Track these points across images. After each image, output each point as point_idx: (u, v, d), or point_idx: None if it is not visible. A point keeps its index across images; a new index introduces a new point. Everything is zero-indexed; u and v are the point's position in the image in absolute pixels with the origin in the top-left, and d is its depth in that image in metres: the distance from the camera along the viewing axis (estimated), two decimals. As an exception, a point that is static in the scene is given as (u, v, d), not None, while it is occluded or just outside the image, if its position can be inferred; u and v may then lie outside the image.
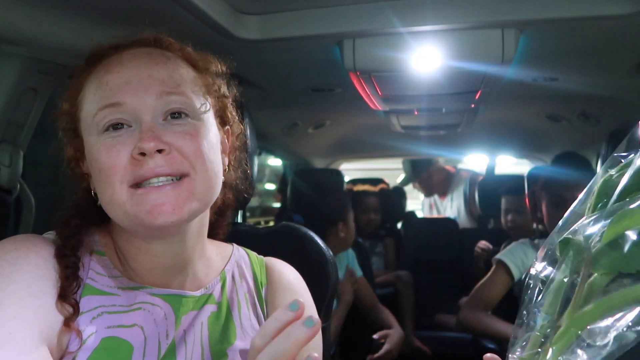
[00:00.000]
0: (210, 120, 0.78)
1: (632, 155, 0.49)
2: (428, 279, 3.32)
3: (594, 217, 0.46)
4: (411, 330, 2.89)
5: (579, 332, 0.43)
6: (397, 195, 4.00)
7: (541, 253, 0.52)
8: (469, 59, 1.35)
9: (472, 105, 2.04)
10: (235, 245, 0.95)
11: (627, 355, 0.40)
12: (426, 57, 1.38)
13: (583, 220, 0.49)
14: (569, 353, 0.43)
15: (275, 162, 4.20)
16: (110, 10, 1.09)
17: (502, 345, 2.14)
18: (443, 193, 4.04)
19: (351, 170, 5.52)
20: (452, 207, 3.97)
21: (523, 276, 2.04)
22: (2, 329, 0.63)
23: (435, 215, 4.08)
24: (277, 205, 4.43)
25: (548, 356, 0.44)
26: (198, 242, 0.82)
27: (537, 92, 2.05)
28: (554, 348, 0.44)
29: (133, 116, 0.72)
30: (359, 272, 2.45)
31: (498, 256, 2.15)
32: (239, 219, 1.35)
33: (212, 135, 0.78)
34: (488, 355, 0.55)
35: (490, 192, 3.08)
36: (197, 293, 0.82)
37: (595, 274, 0.45)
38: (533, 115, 2.64)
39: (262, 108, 2.22)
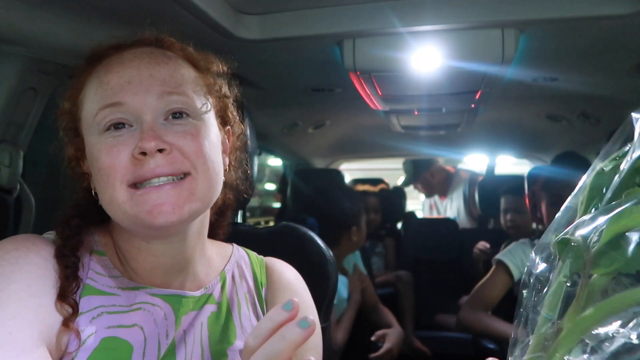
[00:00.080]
0: (211, 120, 0.78)
1: (625, 148, 0.49)
2: (428, 279, 3.32)
3: (591, 215, 0.46)
4: (411, 330, 2.89)
5: (582, 335, 0.42)
6: (397, 195, 4.00)
7: (537, 251, 0.52)
8: (469, 59, 1.35)
9: (472, 105, 2.04)
10: (235, 245, 0.95)
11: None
12: (426, 57, 1.38)
13: (578, 218, 0.48)
14: (573, 357, 0.42)
15: (275, 162, 4.20)
16: (110, 10, 1.09)
17: (502, 345, 2.14)
18: (443, 193, 4.04)
19: (351, 170, 5.53)
20: (451, 207, 3.97)
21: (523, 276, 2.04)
22: (2, 328, 0.63)
23: (435, 215, 4.08)
24: (277, 205, 4.43)
25: None
26: (198, 242, 0.82)
27: (537, 92, 2.05)
28: (557, 352, 0.43)
29: (134, 116, 0.72)
30: (364, 272, 2.45)
31: (498, 256, 2.15)
32: (239, 219, 1.35)
33: (213, 135, 0.78)
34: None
35: (490, 192, 3.08)
36: (197, 293, 0.82)
37: (595, 275, 0.44)
38: (533, 115, 2.64)
39: (262, 108, 2.22)
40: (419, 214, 4.41)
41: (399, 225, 4.04)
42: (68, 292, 0.70)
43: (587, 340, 0.42)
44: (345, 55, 1.37)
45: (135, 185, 0.71)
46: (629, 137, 0.49)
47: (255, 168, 1.19)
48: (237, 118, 0.88)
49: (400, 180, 4.17)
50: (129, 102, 0.72)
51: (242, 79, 1.53)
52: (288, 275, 0.93)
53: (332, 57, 1.46)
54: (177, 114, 0.74)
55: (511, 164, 5.05)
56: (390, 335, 2.32)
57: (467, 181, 3.83)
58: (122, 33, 0.80)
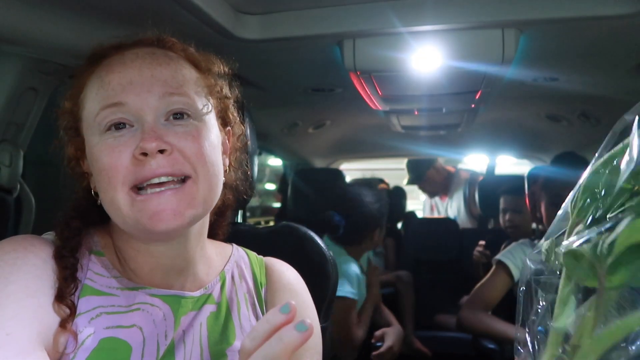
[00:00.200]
0: (211, 121, 0.78)
1: (619, 146, 0.48)
2: (428, 279, 3.32)
3: (589, 221, 0.45)
4: (411, 331, 2.88)
5: (601, 353, 0.41)
6: (397, 195, 4.00)
7: (536, 256, 0.51)
8: (469, 59, 1.35)
9: (473, 105, 2.03)
10: (234, 245, 0.95)
11: None
12: (426, 57, 1.38)
13: (571, 221, 0.48)
14: None
15: (275, 162, 4.20)
16: (110, 10, 1.09)
17: (502, 345, 2.14)
18: (444, 193, 4.04)
19: (351, 170, 5.53)
20: (452, 207, 3.97)
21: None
22: (0, 329, 0.63)
23: (436, 215, 4.08)
24: (277, 205, 4.43)
25: None
26: (198, 243, 0.82)
27: (538, 92, 2.05)
28: None
29: (135, 116, 0.72)
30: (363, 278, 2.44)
31: (498, 257, 2.15)
32: (239, 219, 1.35)
33: (214, 136, 0.77)
34: None
35: (490, 192, 3.08)
36: (197, 293, 0.82)
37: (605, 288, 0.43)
38: (533, 116, 2.64)
39: (262, 108, 2.22)
40: (419, 214, 4.41)
41: (399, 225, 4.04)
42: (66, 293, 0.70)
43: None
44: (345, 55, 1.37)
45: (137, 187, 0.71)
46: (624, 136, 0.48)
47: (256, 168, 1.19)
48: (238, 119, 0.88)
49: (404, 181, 4.17)
50: (130, 102, 0.72)
51: (242, 79, 1.53)
52: (288, 275, 0.93)
53: (332, 57, 1.46)
54: (178, 115, 0.74)
55: (511, 164, 5.05)
56: (390, 334, 2.32)
57: (468, 181, 3.83)
58: (122, 33, 0.80)
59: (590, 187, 0.47)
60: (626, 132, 0.48)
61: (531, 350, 0.48)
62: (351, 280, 2.15)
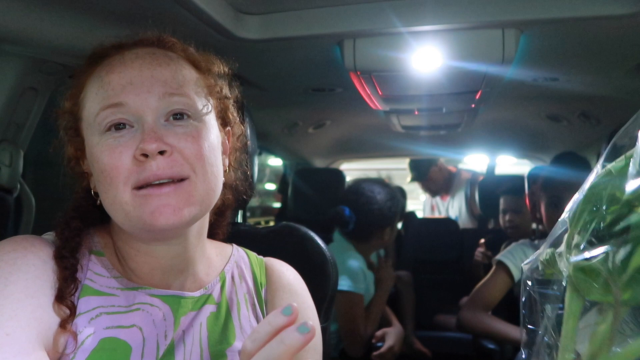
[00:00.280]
0: (211, 121, 0.78)
1: (620, 159, 0.47)
2: (428, 279, 3.32)
3: (600, 237, 0.44)
4: (411, 331, 2.88)
5: None
6: (397, 195, 4.00)
7: (535, 266, 0.51)
8: (470, 59, 1.35)
9: (473, 105, 2.03)
10: (234, 245, 0.95)
11: None
12: (427, 57, 1.38)
13: (570, 231, 0.47)
14: None
15: (275, 162, 4.20)
16: (110, 10, 1.09)
17: (502, 346, 2.14)
18: (445, 193, 4.04)
19: (351, 170, 5.53)
20: (453, 207, 3.97)
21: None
22: (0, 330, 0.63)
23: (437, 216, 4.08)
24: (277, 205, 4.43)
25: None
26: (198, 243, 0.82)
27: (538, 92, 2.05)
28: None
29: (135, 117, 0.72)
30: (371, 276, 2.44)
31: (498, 257, 2.15)
32: (239, 219, 1.35)
33: (214, 136, 0.77)
34: None
35: (490, 192, 3.08)
36: (197, 294, 0.82)
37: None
38: (533, 116, 2.64)
39: (262, 108, 2.22)
40: (419, 214, 4.41)
41: (399, 225, 4.03)
42: (66, 294, 0.70)
43: None
44: (345, 55, 1.37)
45: (137, 187, 0.71)
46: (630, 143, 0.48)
47: (256, 168, 1.19)
48: (238, 119, 0.88)
49: (408, 178, 4.17)
50: (130, 102, 0.72)
51: (242, 78, 1.53)
52: (288, 275, 0.93)
53: (333, 57, 1.46)
54: (178, 115, 0.74)
55: (512, 164, 5.05)
56: (391, 334, 2.32)
57: (469, 181, 3.83)
58: (122, 33, 0.80)
59: (591, 200, 0.47)
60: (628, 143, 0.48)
61: None
62: (355, 275, 2.15)
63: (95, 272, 0.76)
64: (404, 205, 2.37)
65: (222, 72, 0.85)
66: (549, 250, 0.50)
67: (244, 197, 0.96)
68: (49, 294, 0.69)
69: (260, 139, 1.39)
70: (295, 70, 1.70)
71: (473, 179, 3.80)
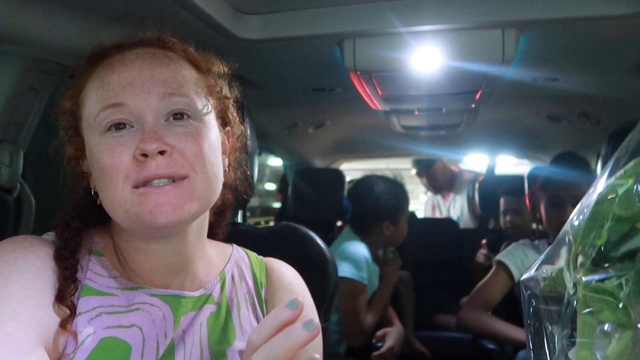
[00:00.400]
0: (211, 121, 0.78)
1: (619, 173, 0.47)
2: (428, 279, 3.32)
3: (604, 257, 0.44)
4: (411, 331, 2.88)
5: None
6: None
7: (535, 282, 0.50)
8: (470, 59, 1.35)
9: (473, 105, 2.03)
10: (235, 245, 0.95)
11: None
12: (426, 57, 1.38)
13: (575, 251, 0.47)
14: None
15: (275, 162, 4.20)
16: (110, 10, 1.09)
17: (502, 346, 2.14)
18: (447, 192, 4.04)
19: (352, 170, 5.52)
20: (455, 207, 3.97)
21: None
22: (0, 329, 0.63)
23: (438, 216, 4.08)
24: (277, 205, 4.43)
25: None
26: (198, 243, 0.82)
27: (538, 92, 2.05)
28: None
29: (135, 117, 0.72)
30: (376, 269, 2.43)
31: (498, 257, 2.15)
32: (239, 219, 1.35)
33: (213, 136, 0.78)
34: None
35: (490, 192, 3.08)
36: (197, 293, 0.82)
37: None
38: (533, 116, 2.64)
39: (262, 108, 2.22)
40: (419, 214, 4.41)
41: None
42: (66, 294, 0.70)
43: None
44: (345, 55, 1.37)
45: (137, 186, 0.71)
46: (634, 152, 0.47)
47: (256, 168, 1.19)
48: (237, 119, 0.88)
49: (413, 171, 4.17)
50: (130, 102, 0.72)
51: (242, 78, 1.53)
52: (288, 275, 0.93)
53: (333, 57, 1.46)
54: (178, 115, 0.74)
55: (512, 164, 5.05)
56: (391, 334, 2.31)
57: (471, 182, 3.83)
58: (122, 33, 0.80)
59: (597, 218, 0.47)
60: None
61: None
62: (359, 263, 2.14)
63: (95, 272, 0.76)
64: (403, 201, 2.35)
65: (222, 72, 0.85)
66: (554, 268, 0.50)
67: (244, 197, 0.96)
68: (49, 294, 0.69)
69: (260, 139, 1.39)
70: (295, 70, 1.70)
71: (475, 180, 3.80)
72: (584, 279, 0.46)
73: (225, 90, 0.85)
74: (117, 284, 0.76)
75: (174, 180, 0.71)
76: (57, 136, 0.81)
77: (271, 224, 3.57)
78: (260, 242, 1.05)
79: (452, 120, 2.40)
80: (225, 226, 0.96)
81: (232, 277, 0.88)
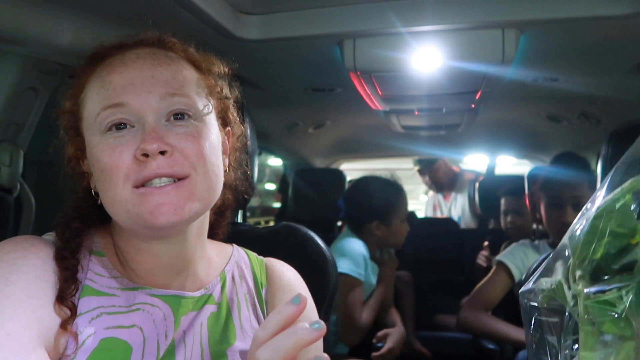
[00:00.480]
0: (212, 121, 0.78)
1: (618, 190, 0.47)
2: (428, 279, 3.32)
3: (602, 270, 0.44)
4: (411, 331, 2.88)
5: None
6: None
7: (534, 295, 0.51)
8: (470, 59, 1.35)
9: (473, 105, 2.03)
10: (235, 245, 0.95)
11: None
12: (426, 57, 1.38)
13: (573, 264, 0.47)
14: None
15: (275, 162, 4.20)
16: (110, 10, 1.09)
17: (502, 346, 2.14)
18: (449, 192, 4.04)
19: (352, 170, 5.52)
20: (456, 207, 3.97)
21: (524, 276, 2.04)
22: (1, 330, 0.63)
23: (439, 216, 4.08)
24: (277, 205, 4.43)
25: None
26: (198, 243, 0.82)
27: (538, 92, 2.05)
28: None
29: (136, 117, 0.72)
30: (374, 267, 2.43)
31: (498, 257, 2.15)
32: (239, 219, 1.35)
33: (214, 136, 0.78)
34: None
35: (490, 192, 3.08)
36: (197, 294, 0.82)
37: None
38: (533, 116, 2.64)
39: (262, 108, 2.22)
40: (419, 214, 4.41)
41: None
42: (67, 294, 0.70)
43: None
44: (345, 55, 1.37)
45: (137, 186, 0.71)
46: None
47: (256, 168, 1.19)
48: (238, 119, 0.88)
49: (415, 168, 4.17)
50: (131, 103, 0.72)
51: (242, 78, 1.53)
52: (288, 275, 0.93)
53: (333, 57, 1.46)
54: (179, 115, 0.74)
55: (512, 164, 5.05)
56: (392, 335, 2.31)
57: (472, 182, 3.83)
58: (123, 33, 0.80)
59: (595, 232, 0.47)
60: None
61: None
62: (356, 258, 2.13)
63: (95, 272, 0.76)
64: (393, 201, 2.30)
65: (222, 72, 0.85)
66: (553, 280, 0.50)
67: (244, 197, 0.96)
68: (49, 295, 0.69)
69: (260, 139, 1.39)
70: (295, 70, 1.70)
71: (476, 180, 3.80)
72: (584, 290, 0.47)
73: (226, 91, 0.85)
74: (118, 284, 0.76)
75: (174, 180, 0.71)
76: (57, 136, 0.81)
77: (271, 224, 3.57)
78: (260, 242, 1.05)
79: (452, 120, 2.40)
80: (225, 226, 0.96)
81: (233, 277, 0.88)
